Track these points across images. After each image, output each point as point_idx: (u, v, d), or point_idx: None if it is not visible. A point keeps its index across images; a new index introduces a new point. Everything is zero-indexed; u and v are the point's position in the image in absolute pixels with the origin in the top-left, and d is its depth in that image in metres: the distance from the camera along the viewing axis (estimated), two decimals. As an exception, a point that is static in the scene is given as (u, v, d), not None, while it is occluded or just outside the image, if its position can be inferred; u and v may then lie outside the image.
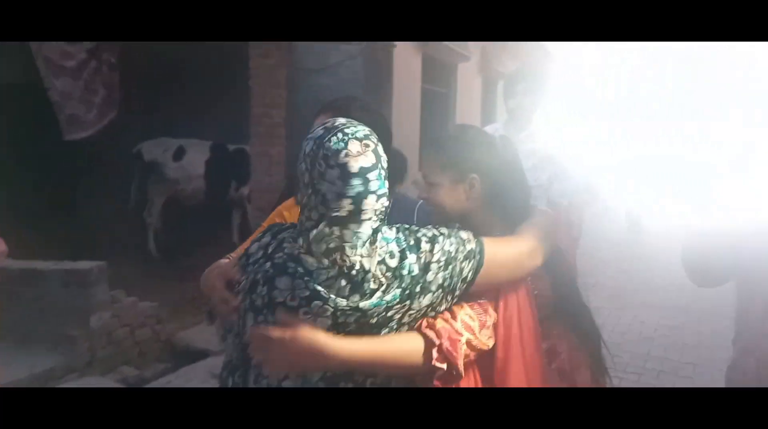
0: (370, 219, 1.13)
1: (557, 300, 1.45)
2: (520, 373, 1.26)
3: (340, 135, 1.12)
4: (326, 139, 1.12)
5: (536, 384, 1.28)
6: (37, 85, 4.82)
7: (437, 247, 1.21)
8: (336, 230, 1.11)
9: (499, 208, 1.37)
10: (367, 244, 1.13)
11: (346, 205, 1.10)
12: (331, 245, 1.11)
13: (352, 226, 1.11)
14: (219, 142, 6.97)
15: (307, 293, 1.10)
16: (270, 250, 1.20)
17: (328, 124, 1.16)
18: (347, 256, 1.11)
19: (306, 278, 1.11)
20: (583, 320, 1.51)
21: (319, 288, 1.10)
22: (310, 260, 1.12)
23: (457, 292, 1.23)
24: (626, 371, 4.07)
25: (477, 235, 1.28)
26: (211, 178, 6.86)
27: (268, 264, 1.17)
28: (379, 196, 1.13)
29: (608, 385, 1.53)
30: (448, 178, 1.36)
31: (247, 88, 5.01)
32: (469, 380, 1.24)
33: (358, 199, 1.11)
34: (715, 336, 4.57)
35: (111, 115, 4.93)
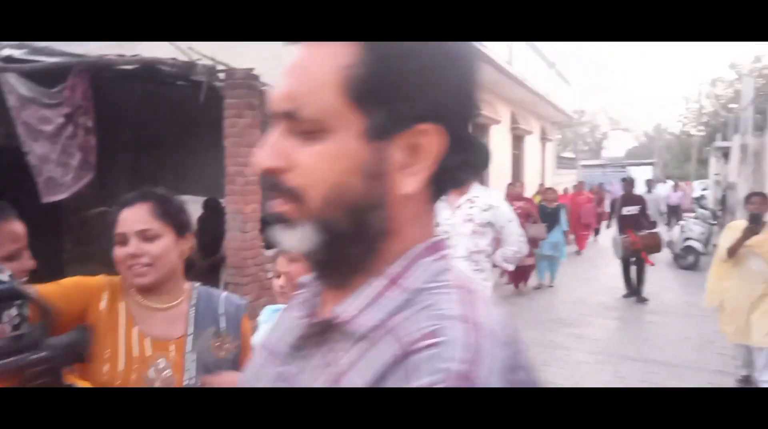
0: None
1: None
2: None
3: None
4: None
5: None
6: (19, 149, 4.84)
7: None
8: None
9: None
10: None
11: None
12: None
13: None
14: (212, 197, 6.66)
15: None
16: None
17: None
18: None
19: None
20: None
21: None
22: None
23: None
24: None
25: None
26: (204, 235, 6.33)
27: None
28: None
29: None
30: None
31: (222, 147, 5.00)
32: None
33: None
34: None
35: (87, 178, 4.87)
